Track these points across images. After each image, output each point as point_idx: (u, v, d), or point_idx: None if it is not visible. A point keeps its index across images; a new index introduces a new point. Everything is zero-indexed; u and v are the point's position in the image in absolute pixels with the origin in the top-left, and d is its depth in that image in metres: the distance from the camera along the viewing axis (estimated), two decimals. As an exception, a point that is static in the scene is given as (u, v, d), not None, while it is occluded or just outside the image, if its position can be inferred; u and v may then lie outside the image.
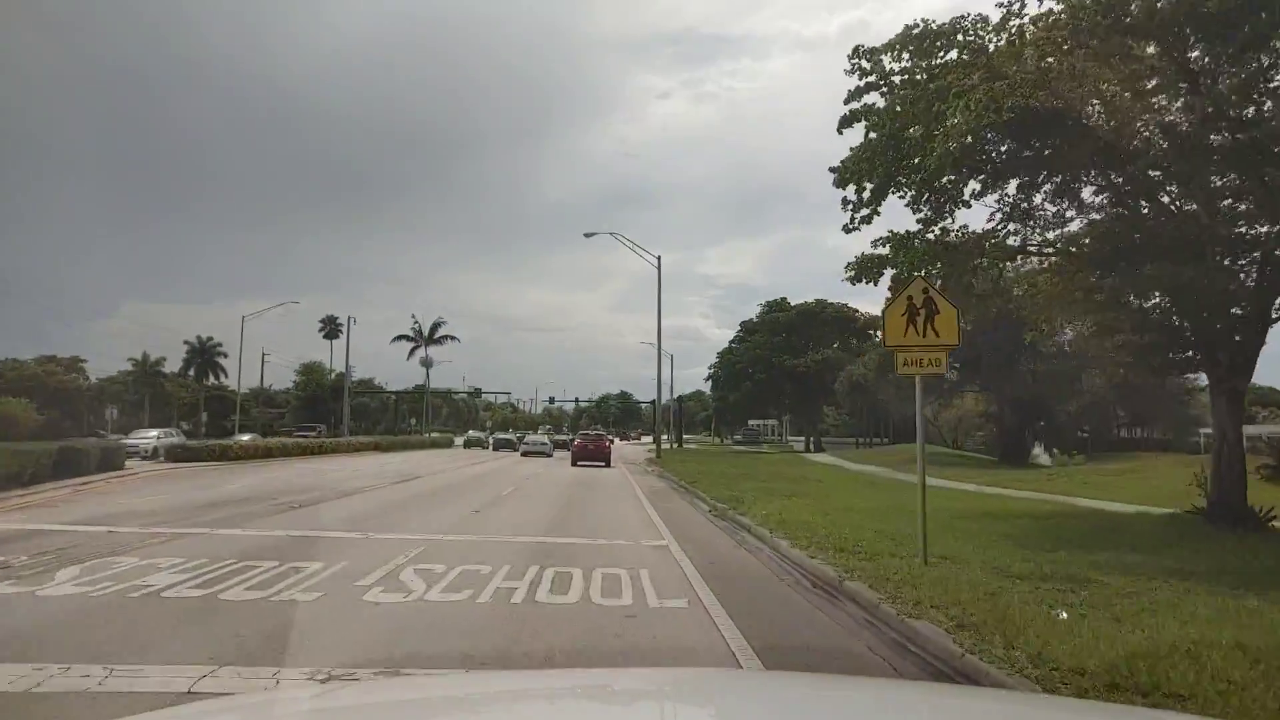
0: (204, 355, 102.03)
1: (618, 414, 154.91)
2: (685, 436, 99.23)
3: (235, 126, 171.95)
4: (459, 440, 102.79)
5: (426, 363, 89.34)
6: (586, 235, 48.04)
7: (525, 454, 50.77)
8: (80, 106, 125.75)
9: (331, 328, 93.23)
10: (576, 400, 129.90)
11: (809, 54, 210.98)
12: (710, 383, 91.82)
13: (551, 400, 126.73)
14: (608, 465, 37.21)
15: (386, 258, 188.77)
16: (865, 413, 70.30)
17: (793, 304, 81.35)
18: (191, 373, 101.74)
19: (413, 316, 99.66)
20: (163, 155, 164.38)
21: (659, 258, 47.33)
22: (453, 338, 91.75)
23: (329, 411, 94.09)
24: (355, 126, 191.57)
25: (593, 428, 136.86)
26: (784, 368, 75.59)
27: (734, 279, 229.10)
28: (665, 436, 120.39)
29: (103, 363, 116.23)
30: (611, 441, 46.98)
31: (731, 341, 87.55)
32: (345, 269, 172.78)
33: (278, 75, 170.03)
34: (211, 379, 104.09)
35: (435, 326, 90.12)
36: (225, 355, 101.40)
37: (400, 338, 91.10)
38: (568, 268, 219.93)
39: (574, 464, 36.60)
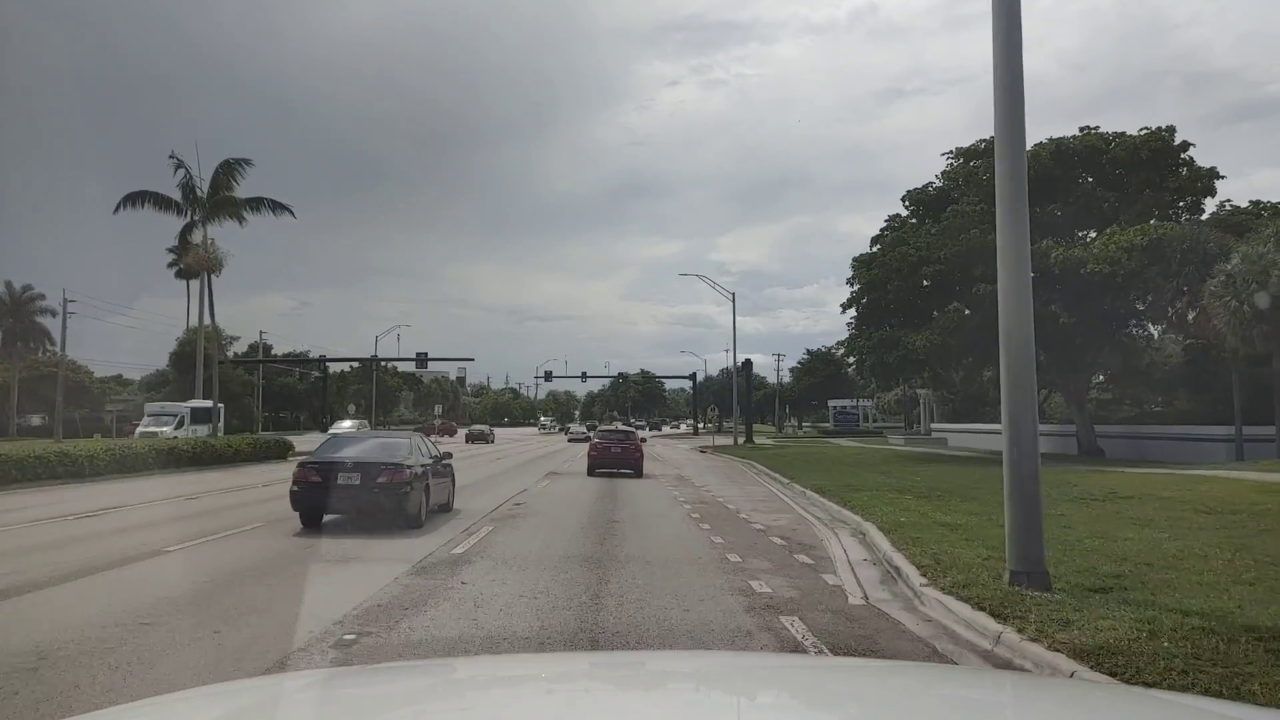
0: (17, 315, 64.65)
1: (638, 399, 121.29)
2: (729, 425, 62.89)
3: (245, 121, 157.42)
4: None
5: (208, 262, 38.95)
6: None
7: (571, 440, 60.69)
8: (86, 99, 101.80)
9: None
10: (584, 376, 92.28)
11: (818, 38, 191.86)
12: (855, 313, 38.70)
13: (549, 376, 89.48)
14: (638, 475, 27.38)
15: (397, 251, 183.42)
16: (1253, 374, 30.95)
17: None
18: (-2, 340, 64.46)
19: (173, 157, 38.55)
20: (174, 148, 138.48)
21: None
22: (277, 206, 39.94)
23: (227, 395, 57.23)
24: (364, 120, 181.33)
25: (608, 415, 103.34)
26: (1050, 267, 29.89)
27: (746, 265, 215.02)
28: (706, 423, 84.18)
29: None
30: (644, 440, 34.06)
31: (880, 234, 40.16)
32: (357, 264, 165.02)
33: (286, 67, 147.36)
34: (37, 350, 67.55)
35: (224, 172, 38.69)
36: (53, 314, 64.07)
37: (140, 199, 38.86)
38: (579, 257, 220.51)
39: (591, 473, 27.74)
